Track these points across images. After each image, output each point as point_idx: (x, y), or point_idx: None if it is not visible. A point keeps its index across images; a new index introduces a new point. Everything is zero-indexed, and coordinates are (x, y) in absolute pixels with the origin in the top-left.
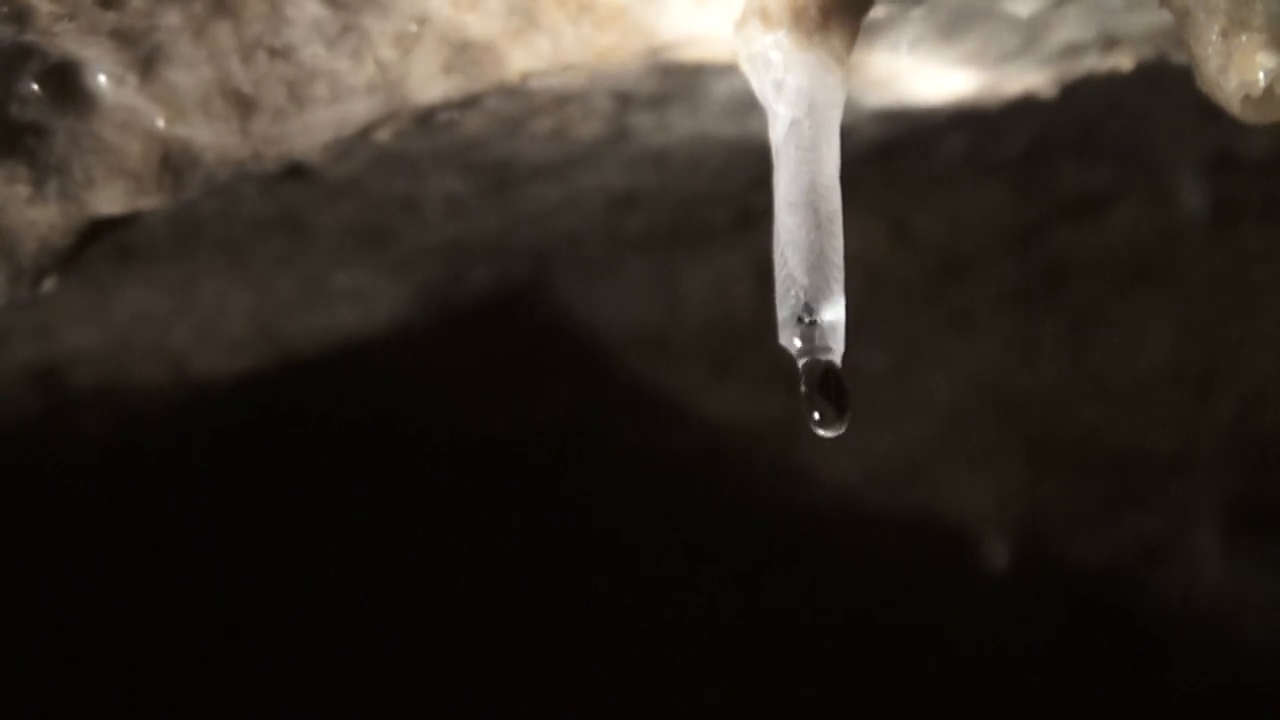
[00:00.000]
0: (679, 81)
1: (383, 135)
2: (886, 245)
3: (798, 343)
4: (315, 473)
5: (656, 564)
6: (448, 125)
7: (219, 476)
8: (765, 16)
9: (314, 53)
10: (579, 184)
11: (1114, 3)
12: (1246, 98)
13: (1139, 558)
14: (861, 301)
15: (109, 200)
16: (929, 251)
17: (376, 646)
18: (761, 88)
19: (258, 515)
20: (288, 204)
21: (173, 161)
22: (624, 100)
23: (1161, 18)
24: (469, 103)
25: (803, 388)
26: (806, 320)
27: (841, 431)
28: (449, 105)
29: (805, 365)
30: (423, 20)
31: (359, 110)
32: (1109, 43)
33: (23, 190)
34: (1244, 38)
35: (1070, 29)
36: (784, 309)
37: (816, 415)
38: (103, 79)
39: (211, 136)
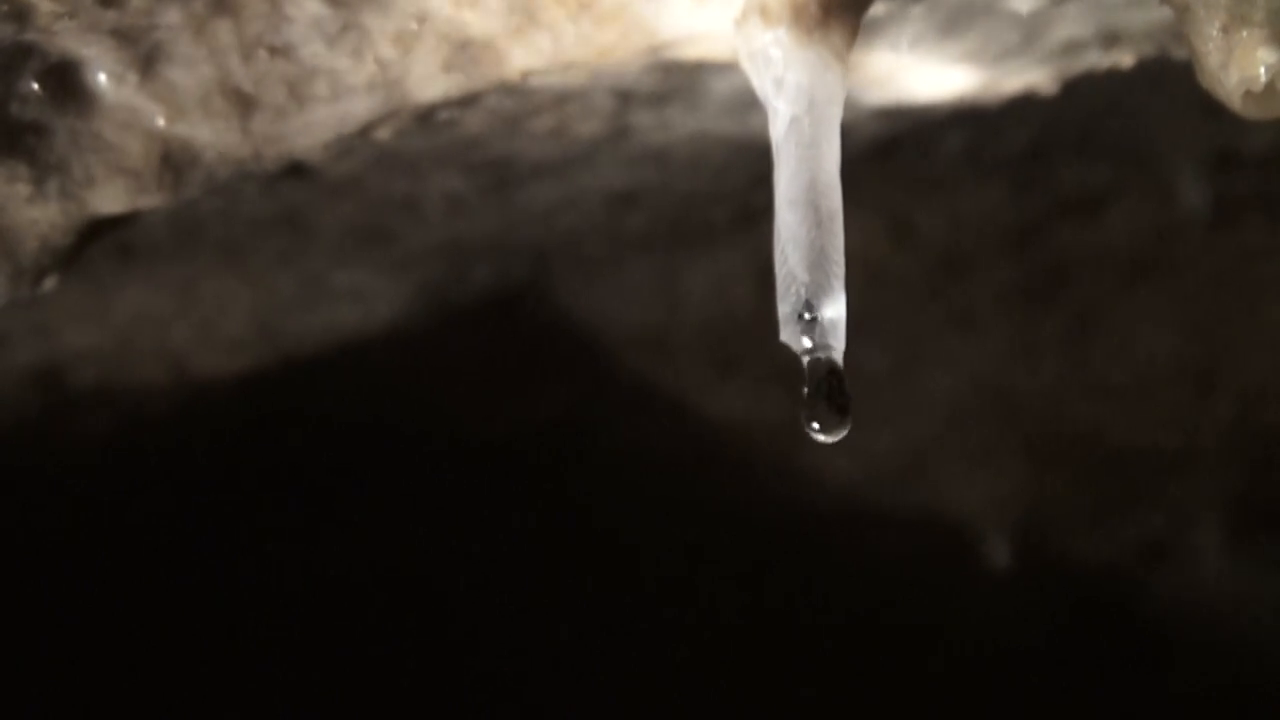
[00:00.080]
0: (679, 79)
1: (383, 134)
2: (886, 244)
3: (799, 340)
4: (315, 473)
5: (656, 564)
6: (448, 124)
7: (219, 476)
8: (765, 13)
9: (314, 51)
10: (579, 183)
11: None
12: (1248, 93)
13: (1140, 557)
14: (862, 300)
15: (109, 199)
16: (929, 250)
17: (376, 646)
18: (762, 85)
19: (258, 515)
20: (288, 203)
21: (173, 160)
22: (624, 98)
23: (1162, 14)
24: (469, 101)
25: (805, 389)
26: (807, 317)
27: (840, 438)
28: (449, 104)
29: (809, 367)
30: (423, 18)
31: (359, 109)
32: (1109, 39)
33: (23, 189)
34: (1245, 33)
35: (1070, 26)
36: (785, 306)
37: (815, 424)
38: (103, 78)
39: (212, 135)
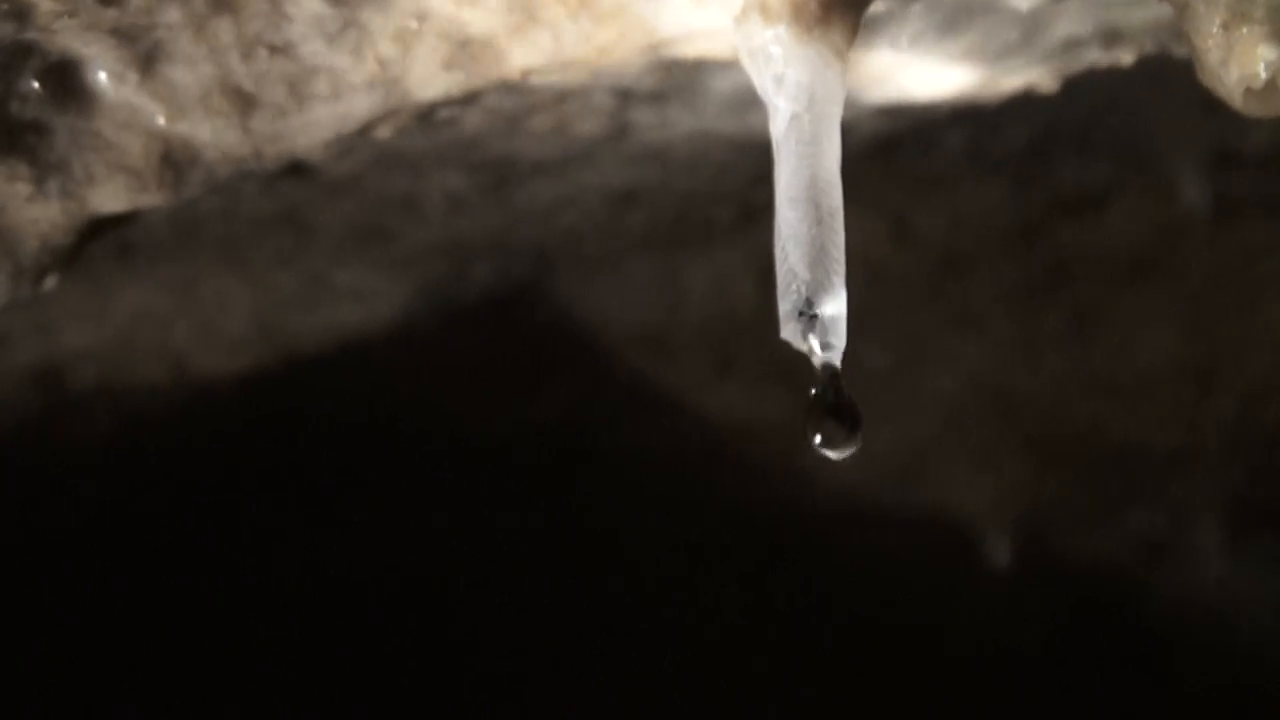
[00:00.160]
0: (679, 78)
1: (383, 132)
2: (887, 242)
3: (799, 337)
4: (315, 473)
5: (656, 564)
6: (448, 122)
7: (219, 476)
8: (765, 11)
9: (314, 50)
10: (579, 181)
11: None
12: (1248, 90)
13: (1140, 556)
14: (862, 299)
15: (110, 198)
16: (929, 248)
17: (376, 646)
18: (762, 82)
19: (258, 515)
20: (288, 202)
21: (173, 159)
22: (624, 97)
23: (1162, 11)
24: (469, 99)
25: (811, 394)
26: (808, 315)
27: (849, 454)
28: (449, 102)
29: (817, 373)
30: (423, 17)
31: (359, 107)
32: (1109, 37)
33: (24, 188)
34: (1245, 30)
35: (1070, 23)
36: (785, 303)
37: (819, 437)
38: (103, 76)
39: (212, 134)
